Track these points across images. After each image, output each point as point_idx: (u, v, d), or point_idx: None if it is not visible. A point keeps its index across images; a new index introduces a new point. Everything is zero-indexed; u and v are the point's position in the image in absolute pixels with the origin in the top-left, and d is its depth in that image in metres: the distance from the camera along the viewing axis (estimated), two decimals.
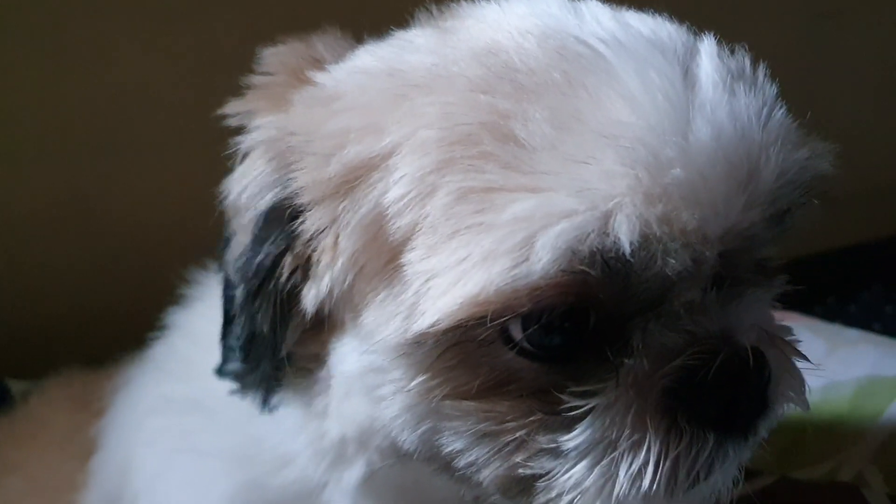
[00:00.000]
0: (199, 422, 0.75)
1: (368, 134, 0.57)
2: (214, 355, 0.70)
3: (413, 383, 0.58)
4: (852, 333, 1.20)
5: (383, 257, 0.57)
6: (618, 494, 0.56)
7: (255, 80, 0.68)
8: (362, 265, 0.59)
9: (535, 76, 0.55)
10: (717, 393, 0.56)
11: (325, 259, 0.60)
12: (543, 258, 0.50)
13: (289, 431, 0.71)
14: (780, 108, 0.58)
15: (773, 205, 0.57)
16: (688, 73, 0.55)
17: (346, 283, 0.60)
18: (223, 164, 1.09)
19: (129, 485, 0.80)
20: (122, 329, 0.91)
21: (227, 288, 0.68)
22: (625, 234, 0.50)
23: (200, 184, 1.28)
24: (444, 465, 0.62)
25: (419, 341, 0.56)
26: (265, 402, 0.69)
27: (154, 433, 0.78)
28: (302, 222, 0.61)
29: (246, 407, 0.69)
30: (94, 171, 1.31)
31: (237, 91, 0.67)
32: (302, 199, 0.60)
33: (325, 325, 0.65)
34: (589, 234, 0.50)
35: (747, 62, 0.60)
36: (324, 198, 0.59)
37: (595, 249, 0.51)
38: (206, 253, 0.81)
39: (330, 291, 0.61)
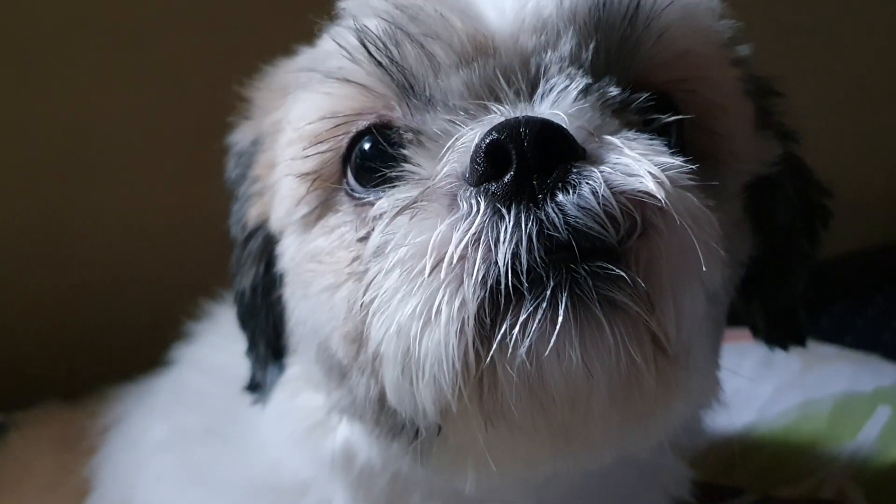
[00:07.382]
0: (214, 452, 0.74)
1: None
2: (228, 386, 0.71)
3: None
4: (827, 350, 1.22)
5: None
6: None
7: None
8: None
9: None
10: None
11: None
12: None
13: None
14: None
15: None
16: None
17: None
18: (192, 185, 1.09)
19: None
20: (96, 354, 0.88)
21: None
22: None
23: (174, 206, 1.28)
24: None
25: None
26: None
27: (162, 470, 0.77)
28: None
29: (262, 433, 0.70)
30: (65, 195, 1.29)
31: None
32: None
33: None
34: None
35: None
36: None
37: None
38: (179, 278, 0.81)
39: None
